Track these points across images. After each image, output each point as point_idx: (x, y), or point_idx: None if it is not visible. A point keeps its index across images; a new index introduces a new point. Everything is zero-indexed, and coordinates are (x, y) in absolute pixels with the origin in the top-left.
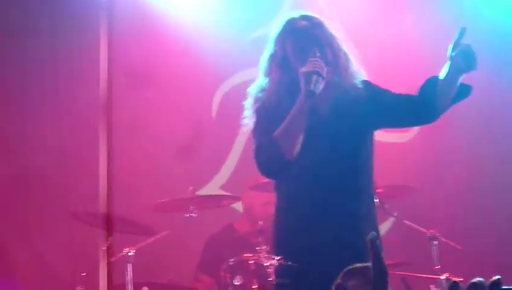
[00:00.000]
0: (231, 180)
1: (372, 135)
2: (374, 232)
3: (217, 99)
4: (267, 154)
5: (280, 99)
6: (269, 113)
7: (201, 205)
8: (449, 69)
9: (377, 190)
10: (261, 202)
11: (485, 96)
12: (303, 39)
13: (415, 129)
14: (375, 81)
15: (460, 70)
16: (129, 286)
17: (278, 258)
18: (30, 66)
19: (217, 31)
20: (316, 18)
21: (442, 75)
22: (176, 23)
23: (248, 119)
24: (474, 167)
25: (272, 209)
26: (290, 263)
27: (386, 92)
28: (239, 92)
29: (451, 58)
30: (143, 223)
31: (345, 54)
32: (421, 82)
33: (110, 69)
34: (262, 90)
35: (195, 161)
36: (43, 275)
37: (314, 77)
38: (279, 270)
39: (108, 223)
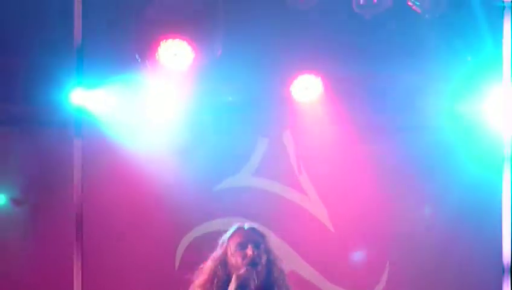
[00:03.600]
0: None
1: None
2: None
3: (180, 251)
4: None
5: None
6: None
7: None
8: None
9: None
10: None
11: None
12: (246, 239)
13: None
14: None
15: None
16: None
17: None
18: None
19: (183, 181)
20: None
21: None
22: (142, 171)
23: None
24: None
25: None
26: None
27: None
28: (202, 244)
29: None
30: None
31: (281, 270)
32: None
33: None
34: None
35: None
36: None
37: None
38: None
39: None
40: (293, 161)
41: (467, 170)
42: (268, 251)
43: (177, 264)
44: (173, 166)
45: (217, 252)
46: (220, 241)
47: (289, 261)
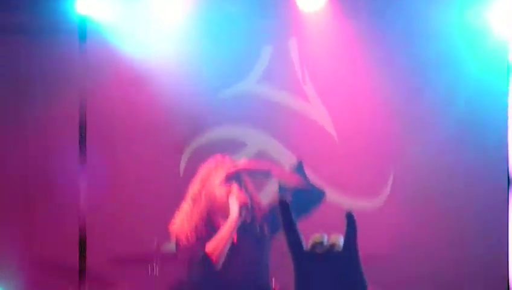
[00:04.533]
0: None
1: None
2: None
3: (184, 158)
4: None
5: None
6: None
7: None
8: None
9: None
10: None
11: None
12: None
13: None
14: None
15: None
16: None
17: None
18: None
19: (187, 88)
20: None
21: None
22: (149, 76)
23: None
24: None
25: None
26: None
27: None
28: (206, 152)
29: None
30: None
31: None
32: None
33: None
34: None
35: (161, 218)
36: None
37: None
38: None
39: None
40: (297, 69)
41: (472, 77)
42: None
43: (181, 171)
44: (178, 74)
45: (201, 178)
46: (203, 173)
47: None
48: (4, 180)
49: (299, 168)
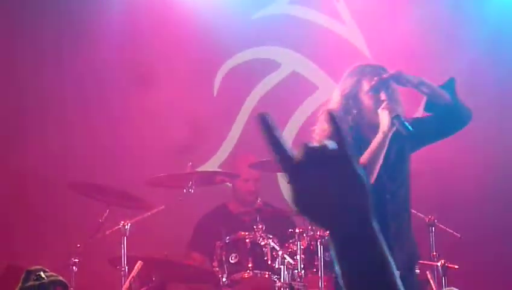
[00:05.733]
0: (229, 160)
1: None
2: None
3: (218, 78)
4: None
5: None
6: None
7: (199, 181)
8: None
9: None
10: (244, 178)
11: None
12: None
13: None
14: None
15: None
16: (124, 259)
17: (271, 236)
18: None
19: (221, 9)
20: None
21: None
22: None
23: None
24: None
25: (253, 186)
26: None
27: (417, 119)
28: (240, 72)
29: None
30: (140, 197)
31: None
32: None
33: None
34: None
35: (195, 139)
36: (38, 245)
37: (399, 118)
38: None
39: (106, 196)
40: None
41: None
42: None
43: (215, 91)
44: None
45: (345, 87)
46: (347, 75)
47: (326, 88)
48: None
49: (450, 85)
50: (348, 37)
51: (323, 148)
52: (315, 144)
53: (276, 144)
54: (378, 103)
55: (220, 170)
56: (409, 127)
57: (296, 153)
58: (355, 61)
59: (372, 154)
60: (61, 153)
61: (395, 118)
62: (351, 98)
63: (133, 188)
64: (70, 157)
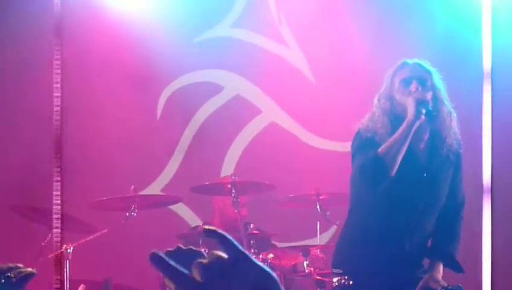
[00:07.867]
0: (172, 183)
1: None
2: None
3: (161, 102)
4: (372, 169)
5: (384, 124)
6: (374, 135)
7: (142, 205)
8: None
9: (320, 197)
10: (230, 203)
11: None
12: (410, 75)
13: None
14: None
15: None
16: (66, 283)
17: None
18: None
19: (163, 33)
20: (428, 66)
21: None
22: (125, 23)
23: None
24: None
25: (244, 211)
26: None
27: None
28: (183, 95)
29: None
30: (83, 220)
31: (450, 112)
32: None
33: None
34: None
35: (138, 162)
36: None
37: (426, 105)
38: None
39: (49, 219)
40: (273, 11)
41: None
42: (435, 88)
43: (158, 114)
44: (153, 17)
45: (381, 89)
46: (385, 77)
47: (269, 112)
48: None
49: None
50: (292, 60)
51: (219, 259)
52: (206, 260)
53: (175, 274)
54: (409, 95)
55: (162, 193)
56: (435, 115)
57: (194, 272)
58: (299, 84)
59: (392, 144)
60: (2, 175)
61: (421, 104)
62: (383, 98)
63: (75, 212)
64: (11, 179)
